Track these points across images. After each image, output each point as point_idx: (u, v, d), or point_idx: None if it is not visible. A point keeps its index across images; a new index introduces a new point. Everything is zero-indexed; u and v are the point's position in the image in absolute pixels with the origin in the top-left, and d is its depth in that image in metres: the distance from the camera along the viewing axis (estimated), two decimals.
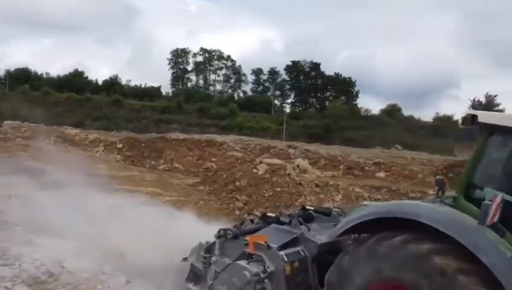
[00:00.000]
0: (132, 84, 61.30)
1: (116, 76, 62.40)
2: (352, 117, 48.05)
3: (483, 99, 49.43)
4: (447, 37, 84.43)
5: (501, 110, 49.25)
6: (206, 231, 7.07)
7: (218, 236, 4.72)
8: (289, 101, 67.21)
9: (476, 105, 48.03)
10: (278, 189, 11.35)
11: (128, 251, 6.09)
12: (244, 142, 19.97)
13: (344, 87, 61.87)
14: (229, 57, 69.28)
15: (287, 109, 64.43)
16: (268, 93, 67.47)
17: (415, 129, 46.44)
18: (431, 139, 41.79)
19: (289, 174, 12.35)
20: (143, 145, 19.43)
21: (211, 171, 16.51)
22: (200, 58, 70.31)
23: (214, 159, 17.19)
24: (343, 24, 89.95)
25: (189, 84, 70.11)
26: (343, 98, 61.90)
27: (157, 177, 15.71)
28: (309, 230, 4.47)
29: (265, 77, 69.01)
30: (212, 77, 71.32)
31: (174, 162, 17.30)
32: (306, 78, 65.74)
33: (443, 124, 50.58)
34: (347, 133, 42.66)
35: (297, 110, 61.49)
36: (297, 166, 14.64)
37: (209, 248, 4.78)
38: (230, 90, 70.32)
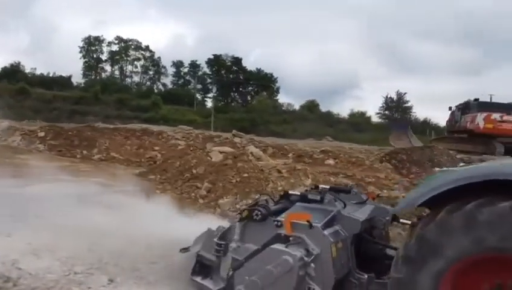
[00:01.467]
0: (37, 72, 56.02)
1: (19, 63, 56.55)
2: (276, 112, 48.83)
3: (394, 97, 53.65)
4: (350, 40, 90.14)
5: (409, 107, 54.17)
6: (182, 220, 6.24)
7: (241, 218, 3.88)
8: (211, 95, 66.53)
9: (389, 101, 51.98)
10: (245, 175, 10.66)
11: (99, 247, 5.17)
12: (185, 132, 18.90)
13: (266, 82, 62.75)
14: (147, 47, 66.36)
15: (209, 103, 63.70)
16: (190, 86, 66.00)
17: (334, 123, 48.63)
18: (350, 132, 44.14)
19: (251, 160, 11.73)
20: (70, 134, 17.35)
21: (155, 160, 15.28)
22: (115, 48, 66.31)
23: (156, 148, 15.93)
24: (255, 23, 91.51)
25: (103, 75, 65.77)
26: (264, 93, 62.73)
27: (94, 167, 14.06)
28: (345, 207, 3.87)
29: (185, 70, 67.44)
30: (129, 68, 67.75)
31: (110, 152, 15.69)
32: (228, 73, 65.47)
33: (358, 119, 53.91)
34: (273, 127, 43.20)
35: (220, 104, 60.91)
36: (251, 153, 14.05)
37: (224, 234, 4.01)
38: (149, 83, 67.38)
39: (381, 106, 55.78)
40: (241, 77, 64.41)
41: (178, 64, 66.59)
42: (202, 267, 4.14)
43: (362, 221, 3.68)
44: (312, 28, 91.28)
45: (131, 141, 16.90)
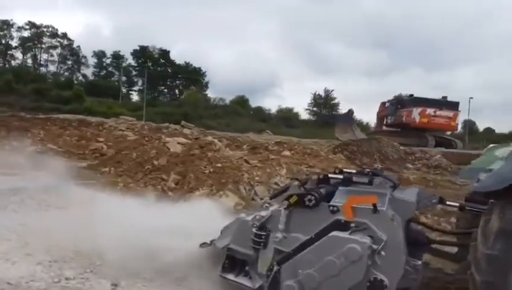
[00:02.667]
0: None
1: None
2: (208, 106, 47.97)
3: (322, 94, 55.73)
4: (272, 40, 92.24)
5: (337, 104, 56.58)
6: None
7: (288, 205, 3.33)
8: (136, 88, 63.48)
9: (317, 98, 53.82)
10: (219, 165, 9.99)
11: (85, 247, 4.42)
12: (129, 122, 17.45)
13: (194, 76, 61.36)
14: (64, 34, 61.16)
15: (135, 96, 60.74)
16: (114, 78, 62.30)
17: (266, 118, 49.04)
18: (282, 127, 44.79)
19: (220, 150, 11.08)
20: None
21: (102, 152, 13.88)
22: (26, 34, 60.22)
23: (101, 140, 14.41)
24: (177, 17, 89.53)
25: (13, 63, 59.44)
26: (193, 87, 61.31)
27: (31, 159, 12.34)
28: (394, 189, 3.53)
29: (108, 61, 63.48)
30: (44, 56, 62.02)
31: (46, 143, 13.89)
32: (155, 65, 62.86)
33: (287, 114, 55.01)
34: (206, 121, 42.29)
35: (148, 97, 58.33)
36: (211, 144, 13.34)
37: (264, 224, 3.44)
38: (67, 73, 62.24)
39: (309, 102, 57.60)
40: (169, 70, 62.28)
41: (100, 55, 62.47)
42: (233, 263, 3.58)
43: (413, 202, 3.38)
44: (236, 26, 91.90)
45: (70, 131, 15.19)
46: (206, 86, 63.75)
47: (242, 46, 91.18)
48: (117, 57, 62.95)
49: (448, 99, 25.46)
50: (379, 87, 77.16)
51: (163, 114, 41.48)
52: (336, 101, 56.77)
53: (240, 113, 48.98)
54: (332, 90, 56.57)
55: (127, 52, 62.79)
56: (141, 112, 42.20)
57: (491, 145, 4.58)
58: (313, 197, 3.27)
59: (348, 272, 2.95)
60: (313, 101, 55.55)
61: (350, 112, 27.18)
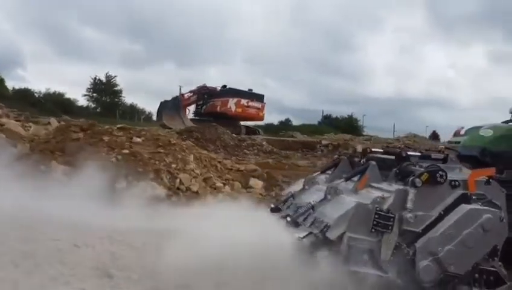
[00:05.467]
0: None
1: None
2: None
3: (103, 79, 50.95)
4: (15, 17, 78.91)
5: (120, 91, 53.21)
6: None
7: (423, 183, 3.27)
8: None
9: (98, 83, 49.43)
10: (125, 151, 8.58)
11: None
12: None
13: None
14: None
15: None
16: None
17: (36, 103, 41.95)
18: (58, 112, 39.19)
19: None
20: None
21: None
22: None
23: None
24: None
25: None
26: None
27: None
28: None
29: None
30: None
31: None
32: None
33: (58, 99, 47.94)
34: None
35: None
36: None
37: (389, 206, 3.29)
38: None
39: (89, 87, 52.10)
40: None
41: None
42: (356, 253, 3.21)
43: None
44: None
45: None
46: None
47: None
48: None
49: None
50: (136, 78, 76.70)
51: None
52: (118, 88, 53.27)
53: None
54: (115, 76, 52.61)
55: None
56: None
57: (471, 126, 5.44)
58: (444, 173, 3.29)
59: (481, 243, 3.12)
60: (92, 86, 50.24)
61: (177, 98, 26.40)
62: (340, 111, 71.01)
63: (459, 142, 5.39)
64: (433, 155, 3.83)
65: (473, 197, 3.27)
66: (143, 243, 3.51)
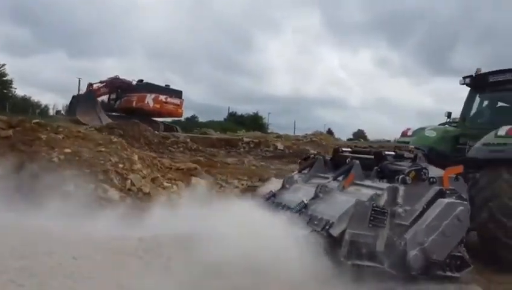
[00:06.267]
0: None
1: None
2: None
3: None
4: None
5: (10, 81, 47.78)
6: None
7: (411, 180, 3.65)
8: None
9: None
10: (68, 150, 7.99)
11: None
12: None
13: None
14: None
15: None
16: None
17: None
18: None
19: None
20: None
21: None
22: None
23: None
24: None
25: None
26: None
27: None
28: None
29: None
30: None
31: None
32: None
33: None
34: None
35: None
36: None
37: (384, 202, 3.61)
38: None
39: None
40: None
41: None
42: (356, 248, 3.49)
43: None
44: None
45: None
46: None
47: None
48: None
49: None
50: (24, 66, 70.39)
51: None
52: (8, 77, 47.67)
53: None
54: (4, 64, 46.92)
55: None
56: None
57: (418, 127, 6.08)
58: (426, 171, 3.71)
59: (457, 232, 3.59)
60: None
61: (92, 91, 24.28)
62: (243, 109, 72.47)
63: (407, 142, 5.94)
64: (406, 154, 4.15)
65: (447, 192, 3.67)
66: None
